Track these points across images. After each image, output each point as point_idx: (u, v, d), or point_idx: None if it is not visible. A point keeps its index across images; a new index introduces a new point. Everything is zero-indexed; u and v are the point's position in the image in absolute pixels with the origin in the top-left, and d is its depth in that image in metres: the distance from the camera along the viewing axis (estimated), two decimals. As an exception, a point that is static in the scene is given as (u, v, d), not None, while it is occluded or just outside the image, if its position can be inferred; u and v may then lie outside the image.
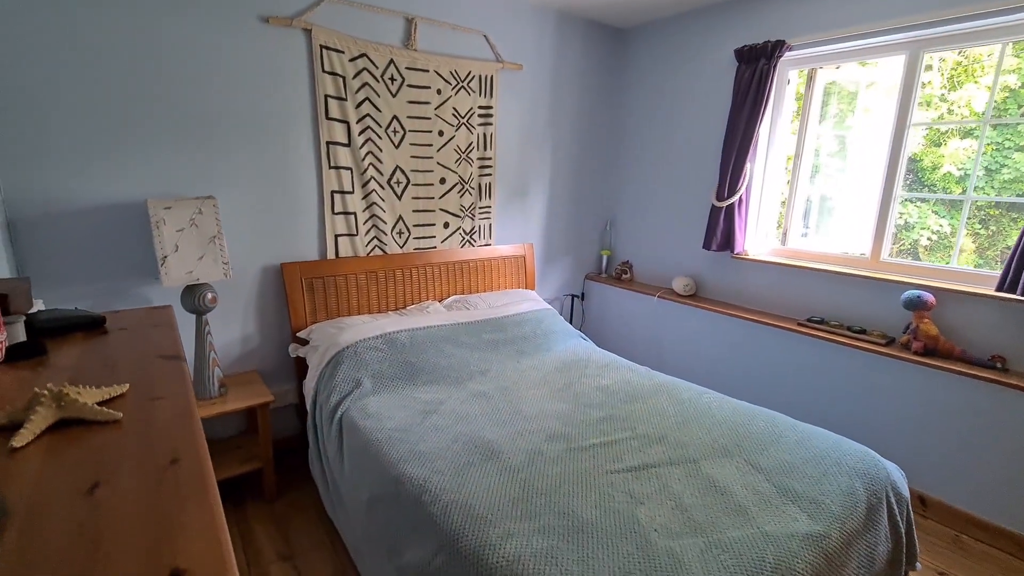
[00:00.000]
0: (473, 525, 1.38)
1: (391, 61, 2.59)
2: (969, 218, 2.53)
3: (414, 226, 2.86)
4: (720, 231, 3.01)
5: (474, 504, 1.45)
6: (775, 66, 2.73)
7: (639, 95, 3.56)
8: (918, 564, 1.79)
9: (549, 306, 3.12)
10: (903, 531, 1.69)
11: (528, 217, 3.43)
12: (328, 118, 2.46)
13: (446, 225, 2.99)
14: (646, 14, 3.27)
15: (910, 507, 1.76)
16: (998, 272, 2.19)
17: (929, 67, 2.42)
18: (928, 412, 2.31)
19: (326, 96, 2.44)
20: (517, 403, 2.13)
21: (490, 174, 3.10)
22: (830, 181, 2.92)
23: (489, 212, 3.16)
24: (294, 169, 2.43)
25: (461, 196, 3.01)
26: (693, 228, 3.28)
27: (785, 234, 3.03)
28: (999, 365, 2.14)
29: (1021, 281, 2.01)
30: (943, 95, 2.60)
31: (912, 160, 2.61)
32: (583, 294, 3.89)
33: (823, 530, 1.42)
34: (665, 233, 3.50)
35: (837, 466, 1.68)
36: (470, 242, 3.12)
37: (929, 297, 2.28)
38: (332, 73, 2.43)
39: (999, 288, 2.10)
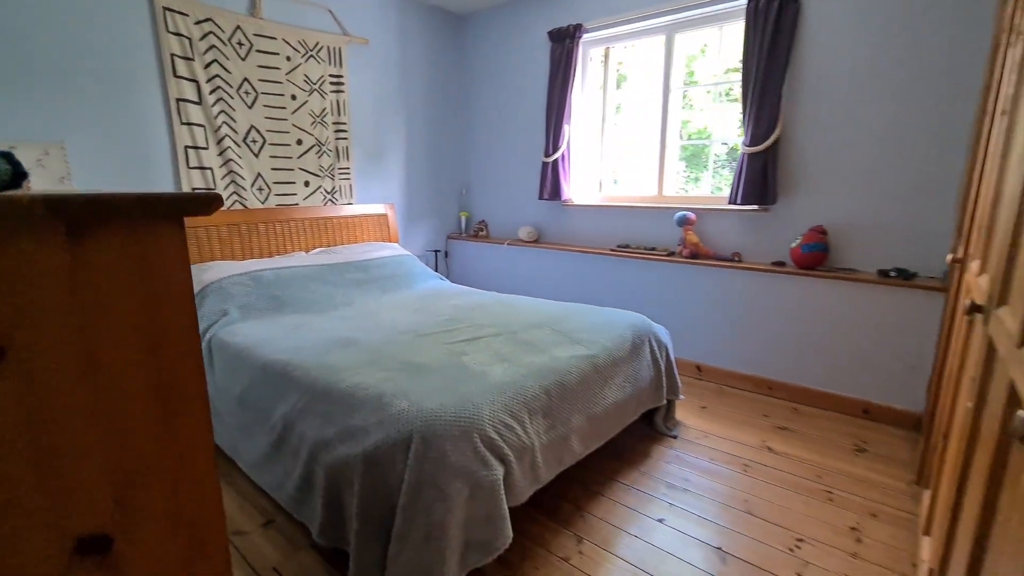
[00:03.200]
0: (329, 373, 1.72)
1: (238, 27, 2.79)
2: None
3: (274, 183, 3.08)
4: (549, 182, 3.62)
5: (331, 364, 1.80)
6: (577, 45, 3.39)
7: (480, 72, 4.08)
8: (682, 396, 2.47)
9: (410, 253, 3.50)
10: (663, 366, 2.34)
11: (388, 180, 3.77)
12: (176, 76, 2.61)
13: (307, 184, 3.24)
14: (474, 2, 3.80)
15: (670, 352, 2.42)
16: (731, 192, 3.00)
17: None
18: (696, 299, 3.08)
19: (172, 55, 2.58)
20: (377, 319, 2.49)
21: (346, 138, 3.40)
22: (632, 138, 3.66)
23: (348, 173, 3.46)
24: (145, 123, 2.54)
25: (319, 157, 3.27)
26: (532, 184, 3.86)
27: (600, 183, 3.73)
28: (736, 259, 2.95)
29: (739, 194, 2.81)
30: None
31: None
32: (446, 252, 4.33)
33: (594, 352, 1.98)
34: (511, 191, 4.06)
35: (615, 323, 2.28)
36: (332, 200, 3.39)
37: (691, 215, 3.04)
38: (177, 34, 2.58)
39: (730, 202, 2.90)
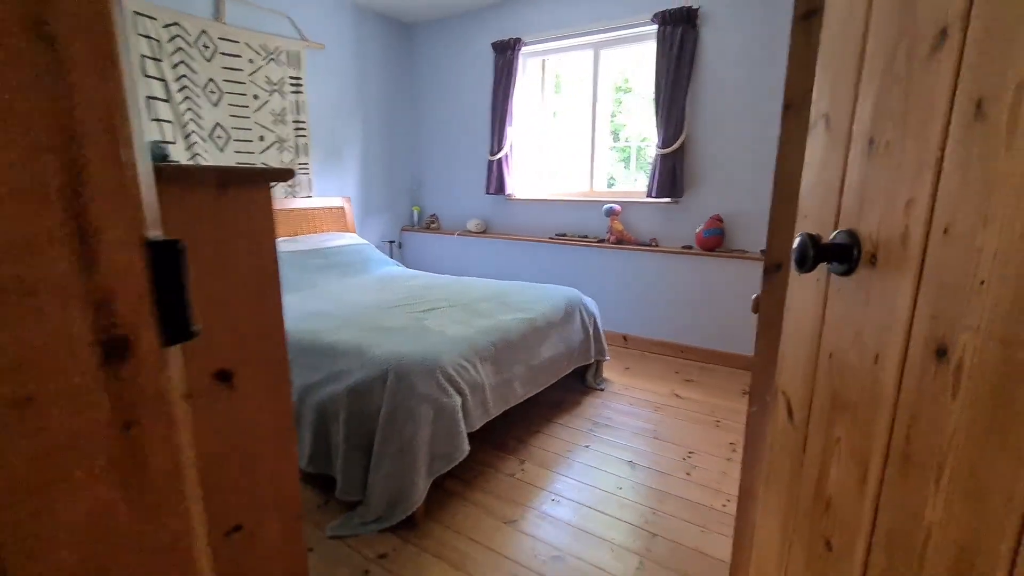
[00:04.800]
0: (310, 335, 2.04)
1: (203, 31, 3.01)
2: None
3: (238, 177, 3.29)
4: (495, 178, 4.03)
5: (308, 327, 2.11)
6: (517, 56, 3.81)
7: (431, 77, 4.43)
8: (608, 357, 2.94)
9: (367, 241, 3.80)
10: (591, 331, 2.80)
11: (345, 175, 4.05)
12: (145, 75, 2.80)
13: (268, 177, 3.46)
14: (424, 13, 4.15)
15: (597, 319, 2.88)
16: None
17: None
18: (622, 279, 3.58)
19: (142, 56, 2.77)
20: (341, 297, 2.79)
21: (305, 136, 3.66)
22: (567, 139, 4.13)
23: (308, 168, 3.72)
24: (115, 119, 2.72)
25: (281, 153, 3.51)
26: (479, 180, 4.25)
27: (540, 179, 4.18)
28: (654, 244, 3.46)
29: (654, 189, 3.32)
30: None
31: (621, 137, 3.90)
32: (400, 243, 4.64)
33: (533, 316, 2.40)
34: (460, 186, 4.43)
35: (551, 296, 2.72)
36: (293, 194, 3.64)
37: (617, 207, 3.54)
38: (146, 36, 2.78)
39: (647, 195, 3.41)
